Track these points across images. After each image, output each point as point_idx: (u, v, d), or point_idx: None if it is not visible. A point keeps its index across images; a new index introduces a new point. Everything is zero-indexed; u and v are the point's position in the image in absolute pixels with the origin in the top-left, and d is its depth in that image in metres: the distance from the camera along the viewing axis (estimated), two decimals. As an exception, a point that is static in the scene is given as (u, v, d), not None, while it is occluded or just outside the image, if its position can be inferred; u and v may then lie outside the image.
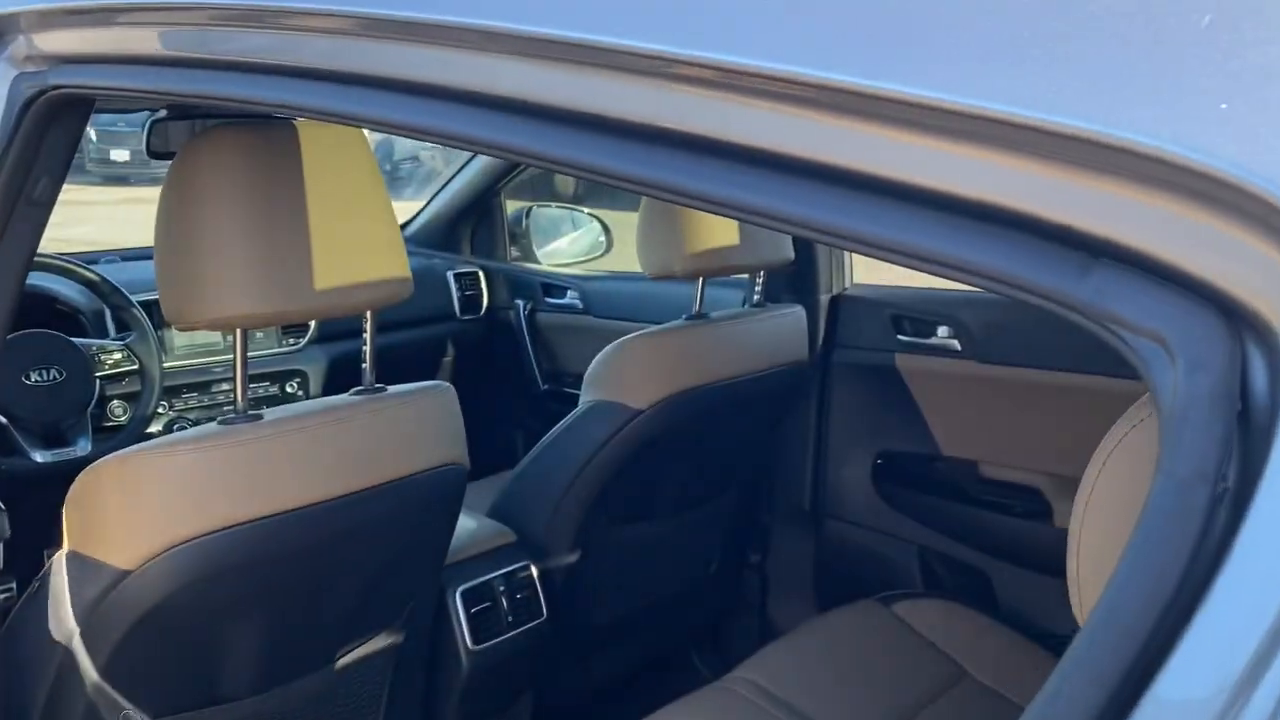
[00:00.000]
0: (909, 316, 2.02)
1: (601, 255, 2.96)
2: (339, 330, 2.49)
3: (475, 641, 1.65)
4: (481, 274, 2.79)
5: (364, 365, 1.34)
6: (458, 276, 2.74)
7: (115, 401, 2.02)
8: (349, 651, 1.45)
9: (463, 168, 2.79)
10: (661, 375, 1.74)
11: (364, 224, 1.21)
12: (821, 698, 1.61)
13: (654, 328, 1.79)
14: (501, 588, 1.71)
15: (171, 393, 2.14)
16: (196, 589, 1.16)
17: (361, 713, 1.53)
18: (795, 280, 2.10)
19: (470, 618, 1.65)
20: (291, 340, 2.36)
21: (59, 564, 1.17)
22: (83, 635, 1.16)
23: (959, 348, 1.94)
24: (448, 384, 1.40)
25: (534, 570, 1.76)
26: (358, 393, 1.32)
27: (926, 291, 2.10)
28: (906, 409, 2.04)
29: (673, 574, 2.07)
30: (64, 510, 1.17)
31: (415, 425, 1.32)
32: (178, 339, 2.20)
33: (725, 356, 1.81)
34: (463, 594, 1.66)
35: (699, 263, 1.74)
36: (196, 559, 1.13)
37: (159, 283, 1.16)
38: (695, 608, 2.21)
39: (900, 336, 2.03)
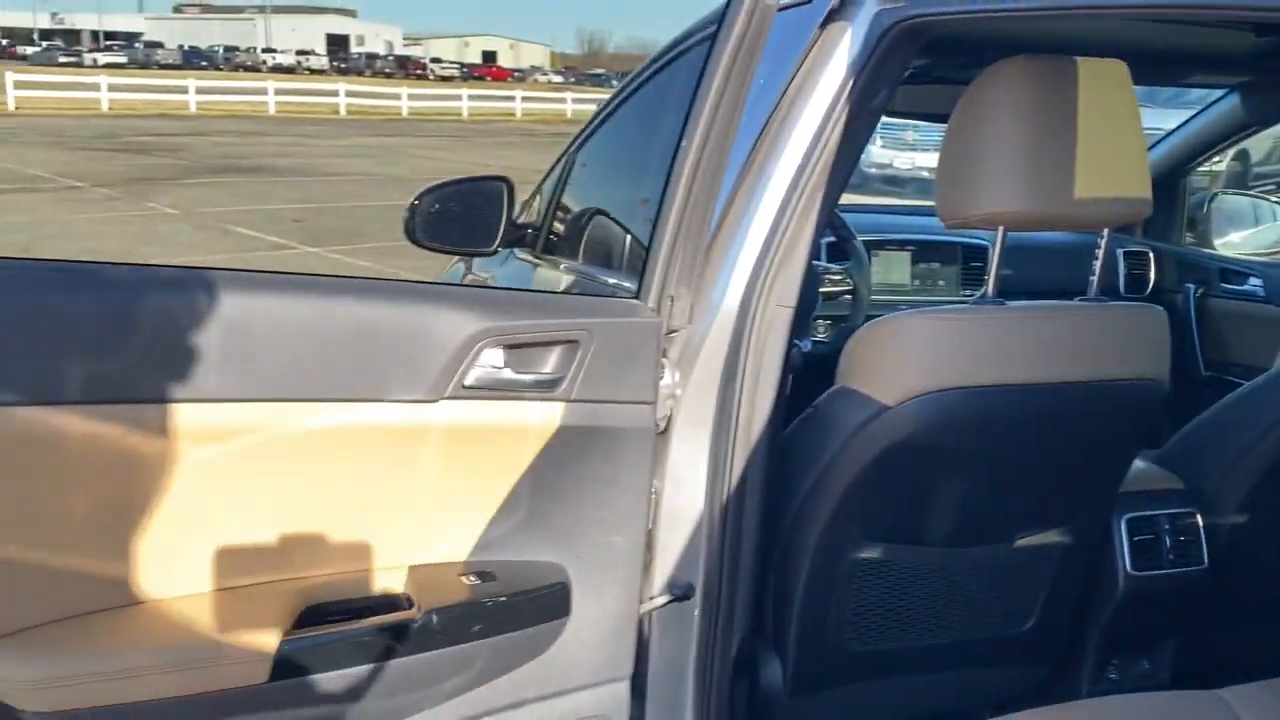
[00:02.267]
0: None
1: (1292, 250, 2.80)
2: None
3: (1135, 567, 1.75)
4: (1151, 254, 2.80)
5: (1091, 278, 1.51)
6: (1126, 254, 2.79)
7: (819, 321, 2.41)
8: (1024, 537, 1.64)
9: (1152, 147, 2.81)
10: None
11: (1117, 153, 1.38)
12: None
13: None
14: (1166, 526, 1.78)
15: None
16: (934, 433, 1.42)
17: (1020, 607, 1.71)
18: None
19: (1132, 544, 1.75)
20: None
21: (831, 397, 1.51)
22: (838, 456, 1.48)
23: None
24: (1161, 308, 1.52)
25: (1199, 519, 1.80)
26: (1084, 300, 1.50)
27: None
28: None
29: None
30: (841, 355, 1.51)
31: (1129, 335, 1.47)
32: (872, 280, 2.56)
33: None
34: (1128, 521, 1.76)
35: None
36: (942, 407, 1.40)
37: (939, 185, 1.44)
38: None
39: None
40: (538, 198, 2.46)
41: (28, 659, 1.02)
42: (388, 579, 1.21)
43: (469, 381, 1.19)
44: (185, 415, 1.04)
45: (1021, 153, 1.34)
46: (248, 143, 19.53)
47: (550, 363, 1.25)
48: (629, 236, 2.04)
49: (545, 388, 1.24)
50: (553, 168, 2.41)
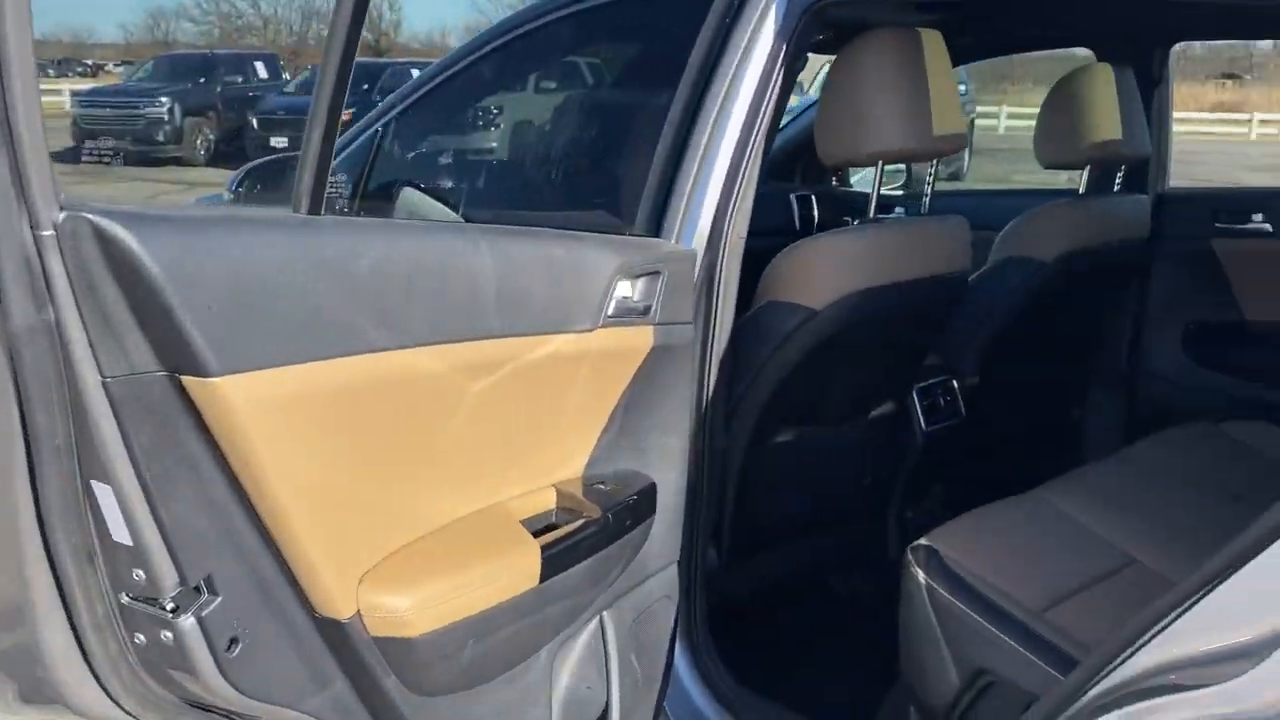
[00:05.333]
0: (1225, 209, 2.59)
1: None
2: None
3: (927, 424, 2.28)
4: (813, 197, 3.43)
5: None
6: (798, 198, 3.39)
7: None
8: (876, 408, 2.11)
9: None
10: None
11: (946, 102, 1.84)
12: (1142, 511, 1.81)
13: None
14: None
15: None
16: (847, 326, 1.80)
17: (883, 463, 2.18)
18: (1128, 181, 2.68)
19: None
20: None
21: (760, 307, 1.83)
22: (778, 351, 1.81)
23: (1270, 229, 2.52)
24: (964, 218, 2.03)
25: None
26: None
27: (1239, 191, 2.68)
28: (1219, 285, 2.61)
29: None
30: (762, 279, 1.84)
31: (949, 241, 1.96)
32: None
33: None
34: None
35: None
36: (852, 305, 1.78)
37: (819, 135, 1.81)
38: None
39: (1217, 224, 2.60)
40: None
41: (397, 590, 1.07)
42: (548, 496, 1.35)
43: (609, 311, 1.35)
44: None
45: (894, 102, 1.75)
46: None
47: (639, 291, 1.44)
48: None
49: (641, 313, 1.43)
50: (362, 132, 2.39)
